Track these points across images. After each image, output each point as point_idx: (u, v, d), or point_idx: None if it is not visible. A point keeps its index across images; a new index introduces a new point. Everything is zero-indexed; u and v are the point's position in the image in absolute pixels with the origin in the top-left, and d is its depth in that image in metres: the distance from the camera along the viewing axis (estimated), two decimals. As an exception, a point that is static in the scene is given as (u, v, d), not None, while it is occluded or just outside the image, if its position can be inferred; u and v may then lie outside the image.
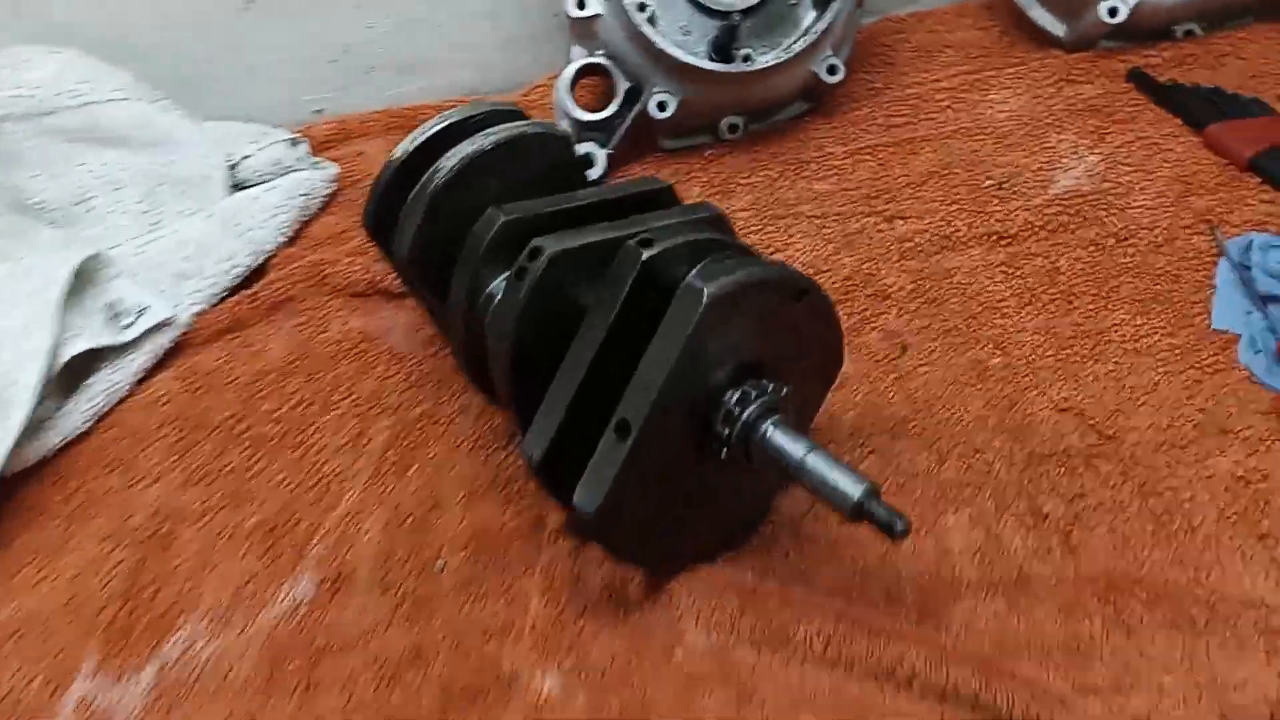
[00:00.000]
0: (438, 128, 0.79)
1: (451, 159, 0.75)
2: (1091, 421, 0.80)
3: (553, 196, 0.76)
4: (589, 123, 1.08)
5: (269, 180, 1.08)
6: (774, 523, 0.77)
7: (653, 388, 0.61)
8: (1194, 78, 1.07)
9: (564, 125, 1.11)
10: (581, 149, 1.08)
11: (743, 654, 0.68)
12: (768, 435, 0.64)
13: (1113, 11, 1.07)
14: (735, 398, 0.65)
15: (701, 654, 0.68)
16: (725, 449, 0.65)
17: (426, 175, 0.77)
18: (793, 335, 0.68)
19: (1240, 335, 0.84)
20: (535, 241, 0.69)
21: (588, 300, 0.70)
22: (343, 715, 0.66)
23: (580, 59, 1.08)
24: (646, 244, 0.65)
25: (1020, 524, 0.75)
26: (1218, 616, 0.68)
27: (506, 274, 0.73)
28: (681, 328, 0.61)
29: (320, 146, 1.17)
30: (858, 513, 0.61)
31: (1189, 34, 1.10)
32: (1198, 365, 0.83)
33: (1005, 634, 0.69)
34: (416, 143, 0.79)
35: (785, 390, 0.66)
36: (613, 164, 1.11)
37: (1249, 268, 0.87)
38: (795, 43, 1.04)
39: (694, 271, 0.63)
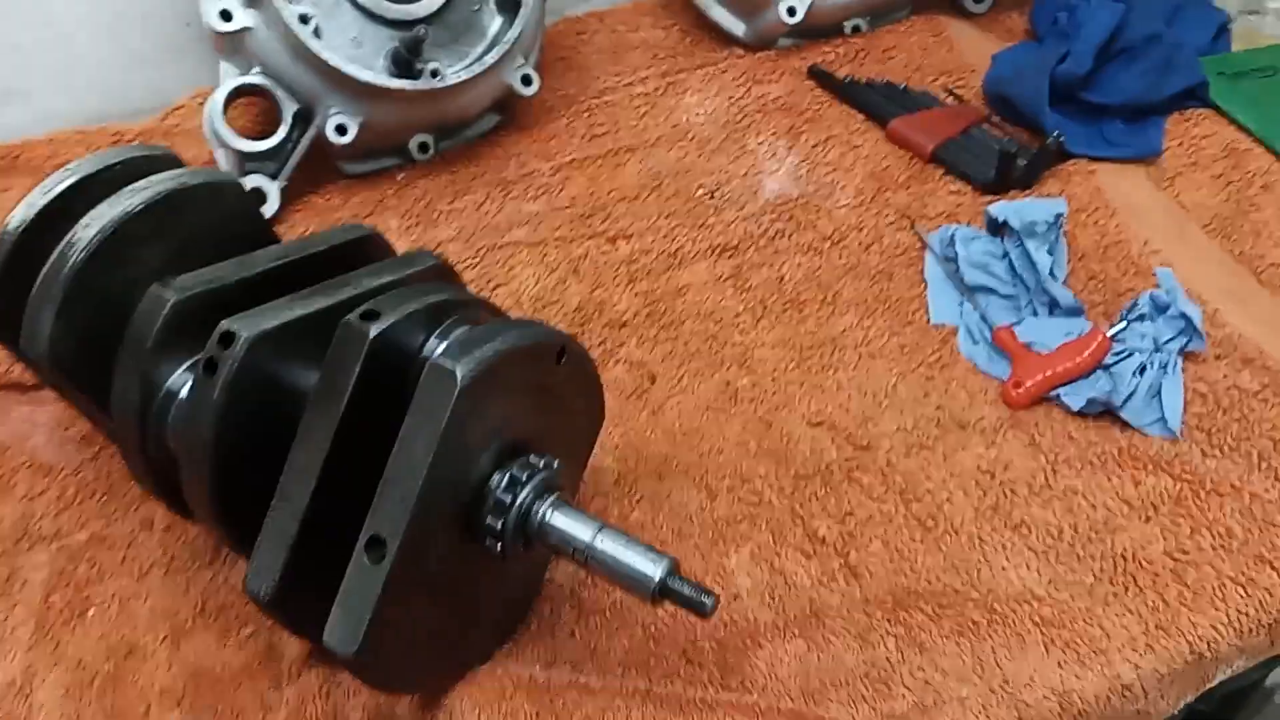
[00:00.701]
0: (63, 186, 0.61)
1: (91, 226, 0.58)
2: (844, 433, 0.79)
3: (233, 260, 0.62)
4: (253, 153, 0.92)
5: None
6: (551, 597, 0.69)
7: (408, 496, 0.50)
8: (866, 72, 1.11)
9: (220, 156, 0.94)
10: (249, 183, 0.92)
11: (546, 769, 0.60)
12: (548, 519, 0.56)
13: (791, 11, 1.08)
14: (504, 483, 0.55)
15: (498, 780, 0.59)
16: (500, 543, 0.56)
17: (61, 248, 0.59)
18: (554, 398, 0.60)
19: (957, 327, 0.87)
20: (224, 324, 0.55)
21: (303, 386, 0.57)
22: None
23: (232, 79, 0.91)
24: (371, 316, 0.54)
25: (800, 552, 0.73)
26: (996, 616, 0.69)
27: (188, 365, 0.59)
28: (434, 419, 0.50)
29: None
30: (660, 594, 0.55)
31: (856, 30, 1.14)
32: (926, 362, 0.84)
33: (809, 675, 0.67)
34: (37, 208, 0.60)
35: (557, 464, 0.57)
36: (288, 197, 0.96)
37: (953, 260, 0.90)
38: (486, 54, 0.95)
39: (439, 347, 0.52)
